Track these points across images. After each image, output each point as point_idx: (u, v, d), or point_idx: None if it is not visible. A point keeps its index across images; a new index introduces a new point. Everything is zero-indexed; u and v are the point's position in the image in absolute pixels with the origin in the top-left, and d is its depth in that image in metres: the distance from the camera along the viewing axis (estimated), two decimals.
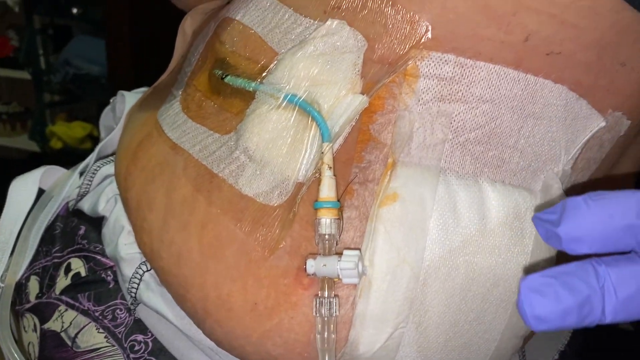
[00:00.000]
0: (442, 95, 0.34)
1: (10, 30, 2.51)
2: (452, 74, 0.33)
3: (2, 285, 0.46)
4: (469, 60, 0.33)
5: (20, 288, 0.47)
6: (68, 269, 0.45)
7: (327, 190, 0.33)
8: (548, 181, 0.36)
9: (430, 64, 0.33)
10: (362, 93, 0.34)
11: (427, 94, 0.34)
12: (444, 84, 0.33)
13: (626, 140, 0.39)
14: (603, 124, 0.36)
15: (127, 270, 0.41)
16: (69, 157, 2.24)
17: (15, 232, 0.48)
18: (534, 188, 0.36)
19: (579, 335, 0.56)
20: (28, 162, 2.50)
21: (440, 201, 0.34)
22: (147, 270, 0.41)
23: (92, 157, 0.51)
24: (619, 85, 0.36)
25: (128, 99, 0.53)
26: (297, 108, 0.35)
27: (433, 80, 0.33)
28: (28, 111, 2.60)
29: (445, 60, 0.33)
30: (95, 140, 2.37)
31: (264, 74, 0.36)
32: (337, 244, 0.34)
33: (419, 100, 0.34)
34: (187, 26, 0.53)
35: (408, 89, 0.34)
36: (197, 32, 0.49)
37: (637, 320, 0.28)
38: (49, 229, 0.49)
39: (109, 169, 0.49)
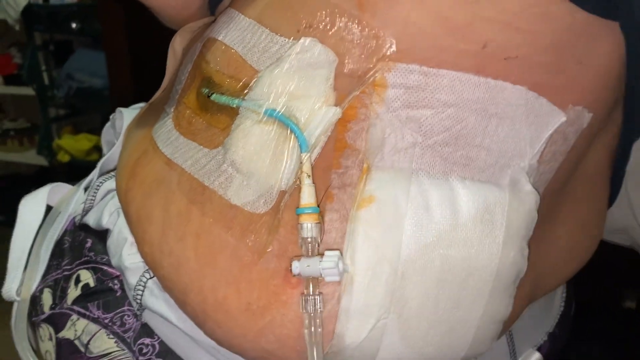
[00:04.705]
0: (409, 103, 0.36)
1: (12, 48, 2.56)
2: (418, 82, 0.36)
3: (19, 299, 0.49)
4: (432, 69, 0.36)
5: (35, 300, 0.50)
6: (78, 281, 0.48)
7: (307, 197, 0.36)
8: (515, 175, 0.38)
9: (397, 75, 0.36)
10: (336, 105, 0.37)
11: (396, 102, 0.36)
12: (411, 92, 0.36)
13: (591, 131, 0.42)
14: (564, 119, 0.38)
15: (132, 278, 0.44)
16: (77, 169, 2.28)
17: (27, 249, 0.51)
18: (502, 182, 0.38)
19: (568, 318, 0.58)
20: (37, 177, 2.55)
21: (413, 200, 0.36)
22: (150, 278, 0.44)
23: (95, 173, 0.53)
24: (577, 82, 0.38)
25: (126, 115, 0.55)
26: (277, 121, 0.37)
27: (400, 89, 0.36)
28: (35, 126, 2.64)
29: (411, 70, 0.36)
30: (101, 151, 2.40)
31: (245, 91, 0.39)
32: (319, 246, 0.37)
33: (389, 108, 0.36)
34: (177, 44, 0.55)
35: (378, 98, 0.36)
36: (187, 50, 0.52)
37: None
38: (59, 243, 0.51)
39: (111, 184, 0.51)
